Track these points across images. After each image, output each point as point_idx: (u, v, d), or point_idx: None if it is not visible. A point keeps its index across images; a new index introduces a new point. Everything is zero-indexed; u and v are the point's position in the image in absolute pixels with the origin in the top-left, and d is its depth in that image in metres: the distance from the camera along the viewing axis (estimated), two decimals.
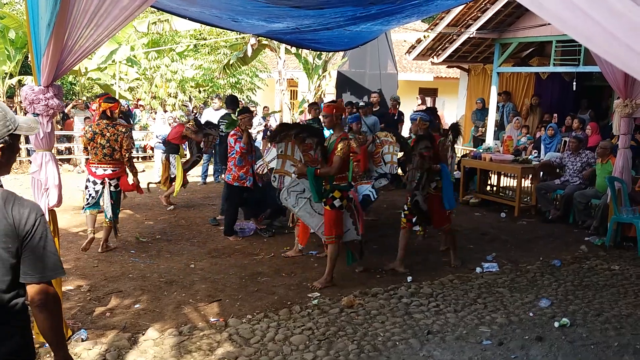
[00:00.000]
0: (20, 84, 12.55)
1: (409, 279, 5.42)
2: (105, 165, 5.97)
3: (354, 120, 7.43)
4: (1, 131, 1.94)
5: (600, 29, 1.77)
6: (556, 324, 4.36)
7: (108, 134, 5.92)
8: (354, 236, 5.38)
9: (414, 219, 5.70)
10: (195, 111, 15.56)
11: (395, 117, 11.13)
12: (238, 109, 7.53)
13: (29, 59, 4.02)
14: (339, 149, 4.98)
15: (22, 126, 2.02)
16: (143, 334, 4.08)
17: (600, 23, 1.76)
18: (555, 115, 11.18)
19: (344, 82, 12.91)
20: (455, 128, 6.11)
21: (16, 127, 1.99)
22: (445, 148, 5.79)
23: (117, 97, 13.06)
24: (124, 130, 6.02)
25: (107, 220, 6.09)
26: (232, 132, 6.75)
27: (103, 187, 6.01)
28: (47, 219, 3.77)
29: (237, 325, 4.26)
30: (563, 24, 1.90)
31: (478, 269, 5.77)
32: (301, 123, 6.46)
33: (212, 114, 10.34)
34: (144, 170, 11.79)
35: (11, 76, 13.00)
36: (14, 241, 1.91)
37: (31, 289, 1.96)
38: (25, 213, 1.93)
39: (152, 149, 13.17)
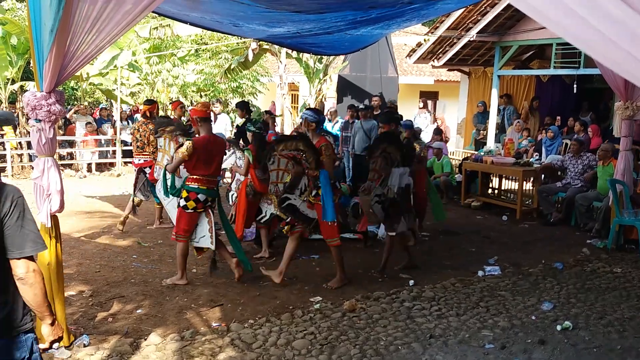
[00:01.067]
0: (23, 89, 12.57)
1: (411, 282, 5.42)
2: (139, 156, 7.21)
3: (407, 128, 7.13)
4: None
5: (598, 34, 1.78)
6: (558, 327, 4.35)
7: (141, 130, 7.15)
8: (207, 244, 5.27)
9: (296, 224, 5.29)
10: None
11: None
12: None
13: (31, 65, 4.04)
14: (182, 148, 5.02)
15: (1, 119, 2.19)
16: (145, 339, 4.08)
17: (597, 28, 1.77)
18: (558, 117, 11.18)
19: (344, 86, 12.92)
20: (388, 136, 5.71)
21: None
22: (330, 154, 5.25)
23: (119, 102, 13.15)
24: (151, 127, 6.98)
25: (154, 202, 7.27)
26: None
27: (138, 175, 7.20)
28: (50, 225, 3.78)
29: (239, 330, 4.26)
30: (561, 29, 1.91)
31: (480, 273, 5.76)
32: (177, 122, 6.64)
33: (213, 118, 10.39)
34: None
35: (13, 82, 13.02)
36: None
37: (13, 264, 2.17)
38: (3, 196, 2.15)
39: None
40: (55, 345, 2.49)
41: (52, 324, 2.35)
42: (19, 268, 2.16)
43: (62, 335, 2.44)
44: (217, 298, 5.00)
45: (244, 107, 8.49)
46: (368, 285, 5.38)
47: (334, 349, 3.98)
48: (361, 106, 9.91)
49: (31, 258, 2.20)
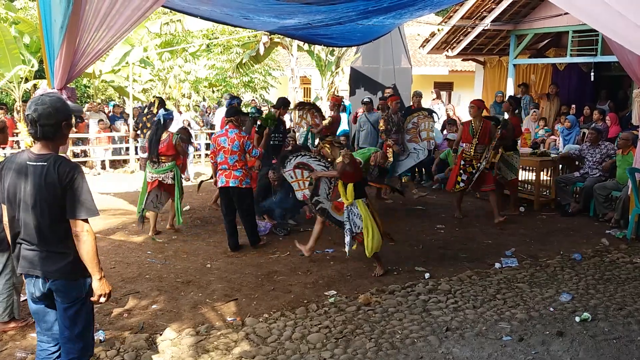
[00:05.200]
0: (36, 88, 12.68)
1: (427, 275, 5.37)
2: None
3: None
4: (65, 113, 2.75)
5: (606, 7, 1.71)
6: (577, 319, 4.28)
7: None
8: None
9: None
10: (208, 111, 15.60)
11: None
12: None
13: (44, 63, 4.04)
14: None
15: (73, 109, 2.96)
16: (160, 335, 4.09)
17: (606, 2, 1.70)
18: (573, 106, 11.01)
19: (357, 78, 12.83)
20: None
21: (71, 109, 2.82)
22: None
23: (131, 99, 13.17)
24: None
25: None
26: (246, 136, 6.35)
27: None
28: None
29: (254, 324, 4.25)
30: (569, 5, 1.84)
31: (497, 265, 5.69)
32: None
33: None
34: None
35: (27, 81, 13.14)
36: (58, 189, 2.70)
37: (72, 223, 2.74)
38: (67, 170, 2.71)
39: None
40: (102, 299, 2.88)
41: (100, 279, 2.83)
42: (76, 227, 2.74)
43: (109, 293, 2.90)
44: (232, 293, 4.99)
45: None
46: (383, 278, 5.34)
47: (350, 342, 3.95)
48: (365, 99, 9.79)
49: (86, 220, 2.76)
